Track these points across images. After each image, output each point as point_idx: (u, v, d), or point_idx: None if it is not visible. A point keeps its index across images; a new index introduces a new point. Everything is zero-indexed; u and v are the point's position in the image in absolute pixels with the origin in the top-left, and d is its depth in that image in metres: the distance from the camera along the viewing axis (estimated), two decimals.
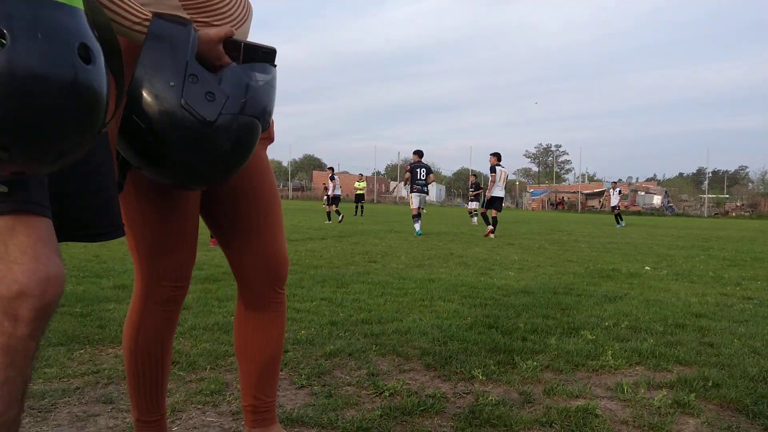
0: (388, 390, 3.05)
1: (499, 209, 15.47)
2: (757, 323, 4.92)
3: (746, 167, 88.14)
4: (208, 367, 3.34)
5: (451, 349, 3.84)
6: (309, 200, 61.50)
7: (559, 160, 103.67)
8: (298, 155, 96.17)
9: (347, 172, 78.83)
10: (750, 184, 70.97)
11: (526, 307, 5.27)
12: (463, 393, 3.09)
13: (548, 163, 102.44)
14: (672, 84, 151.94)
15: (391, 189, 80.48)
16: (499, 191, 15.45)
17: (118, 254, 8.13)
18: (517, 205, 75.98)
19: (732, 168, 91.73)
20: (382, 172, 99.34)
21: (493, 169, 15.67)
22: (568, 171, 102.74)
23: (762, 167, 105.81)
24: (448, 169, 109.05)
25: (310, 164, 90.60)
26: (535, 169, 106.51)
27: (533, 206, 69.07)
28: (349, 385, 3.14)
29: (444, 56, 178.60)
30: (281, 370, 3.30)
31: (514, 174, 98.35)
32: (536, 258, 9.83)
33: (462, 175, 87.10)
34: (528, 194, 75.87)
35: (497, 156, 15.80)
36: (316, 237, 12.57)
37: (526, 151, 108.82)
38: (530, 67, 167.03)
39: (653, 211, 60.58)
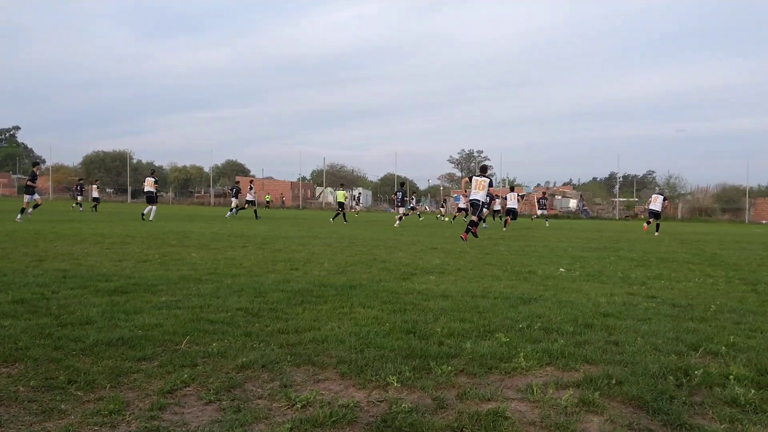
0: (300, 401, 2.99)
1: (475, 213, 16.55)
2: (660, 321, 5.16)
3: (654, 172, 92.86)
4: (108, 385, 3.17)
5: (367, 356, 3.81)
6: None
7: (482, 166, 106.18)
8: (220, 160, 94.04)
9: (272, 178, 77.88)
10: (657, 187, 74.93)
11: (444, 311, 5.32)
12: (378, 401, 3.07)
13: (471, 169, 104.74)
14: (586, 93, 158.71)
15: (317, 194, 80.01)
16: (475, 196, 16.30)
17: (20, 265, 7.66)
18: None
19: (641, 172, 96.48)
20: (308, 178, 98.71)
21: (470, 178, 16.90)
22: (490, 176, 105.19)
23: (667, 172, 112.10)
24: (374, 175, 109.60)
25: (234, 170, 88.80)
26: (458, 174, 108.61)
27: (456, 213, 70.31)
28: (260, 398, 3.06)
29: (372, 63, 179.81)
30: (187, 386, 3.18)
31: (438, 179, 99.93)
32: (458, 262, 9.97)
33: (388, 180, 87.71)
34: (452, 199, 77.25)
35: (482, 168, 16.80)
36: (237, 245, 12.28)
37: (450, 156, 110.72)
38: (456, 74, 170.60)
39: (569, 214, 62.95)
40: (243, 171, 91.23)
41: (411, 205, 32.90)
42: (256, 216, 29.17)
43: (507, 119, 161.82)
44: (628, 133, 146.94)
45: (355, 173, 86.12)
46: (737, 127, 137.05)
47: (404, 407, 2.93)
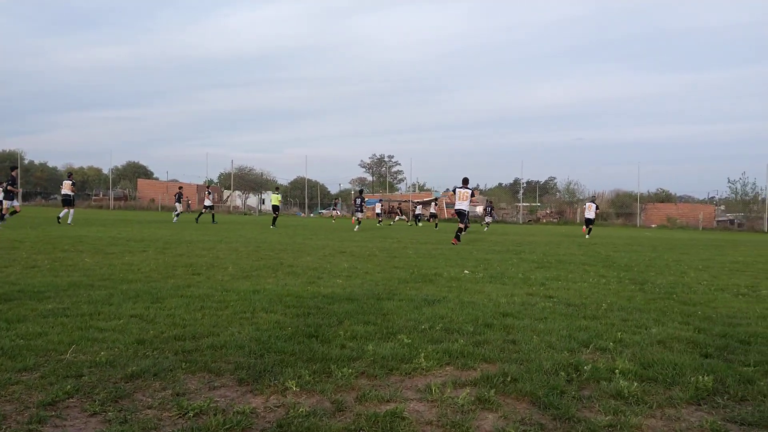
0: (193, 410, 2.87)
1: (461, 221, 18.68)
2: (555, 320, 5.37)
3: (555, 178, 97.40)
4: None
5: (267, 361, 3.73)
6: (133, 210, 57.77)
7: (392, 170, 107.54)
8: (120, 162, 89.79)
9: (176, 180, 75.24)
10: (557, 193, 78.67)
11: (348, 315, 5.30)
12: (275, 406, 3.00)
13: (382, 173, 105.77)
14: (492, 101, 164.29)
15: (224, 198, 78.10)
16: (460, 206, 18.39)
17: None
18: (352, 213, 77.39)
19: (543, 179, 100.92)
20: (216, 181, 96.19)
21: (454, 190, 18.95)
22: (400, 180, 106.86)
23: (567, 178, 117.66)
24: (284, 178, 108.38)
25: (135, 172, 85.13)
26: (370, 178, 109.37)
27: (369, 215, 70.79)
28: (149, 408, 2.91)
29: (284, 65, 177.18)
30: (70, 397, 2.99)
31: (349, 183, 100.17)
32: (365, 265, 10.00)
33: (298, 183, 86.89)
34: (364, 202, 77.51)
35: (464, 180, 18.68)
36: (136, 250, 11.75)
37: (361, 160, 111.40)
38: (366, 79, 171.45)
39: (477, 219, 64.73)
40: (145, 173, 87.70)
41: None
42: (213, 220, 31.34)
43: (417, 125, 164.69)
44: (531, 141, 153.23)
45: (264, 176, 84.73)
46: (630, 137, 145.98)
47: (302, 411, 2.88)
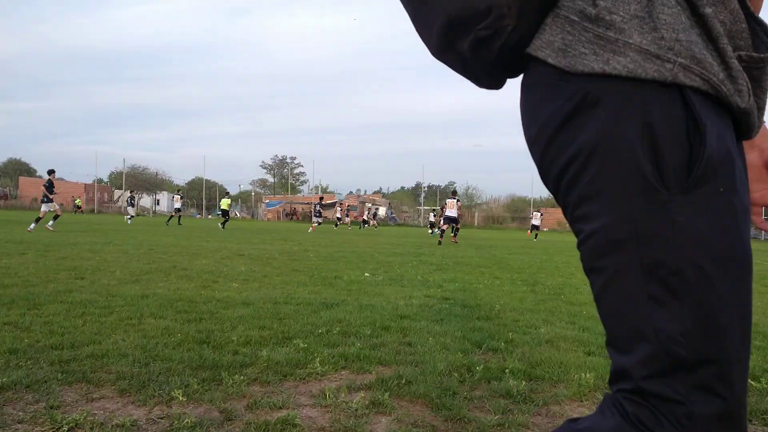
0: (67, 423, 2.66)
1: (453, 223, 23.14)
2: (451, 321, 5.47)
3: (454, 182, 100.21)
4: None
5: (152, 370, 3.53)
6: (15, 210, 53.78)
7: (294, 172, 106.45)
8: (0, 159, 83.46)
9: (63, 179, 70.76)
10: (457, 197, 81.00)
11: (243, 319, 5.15)
12: (158, 418, 2.84)
13: (284, 175, 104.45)
14: (395, 105, 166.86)
15: (115, 198, 74.33)
16: (450, 213, 22.64)
17: None
18: (252, 215, 75.95)
19: (443, 183, 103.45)
20: (105, 180, 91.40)
21: (445, 201, 23.71)
22: (302, 182, 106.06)
23: (466, 182, 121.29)
24: (180, 178, 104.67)
25: (17, 169, 79.31)
26: (271, 180, 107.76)
27: (269, 216, 69.75)
28: (20, 423, 2.68)
29: (179, 61, 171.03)
30: None
31: (250, 184, 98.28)
32: (264, 268, 9.79)
33: (196, 184, 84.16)
34: (264, 205, 76.37)
35: (453, 192, 23.94)
36: (14, 252, 10.91)
37: (263, 162, 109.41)
38: (268, 79, 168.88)
39: (379, 222, 65.33)
40: (28, 171, 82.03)
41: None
42: (179, 222, 32.71)
43: (320, 126, 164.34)
44: (433, 146, 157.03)
45: (159, 176, 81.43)
46: (523, 143, 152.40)
47: (187, 422, 2.74)
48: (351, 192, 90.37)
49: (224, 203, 31.74)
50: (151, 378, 3.38)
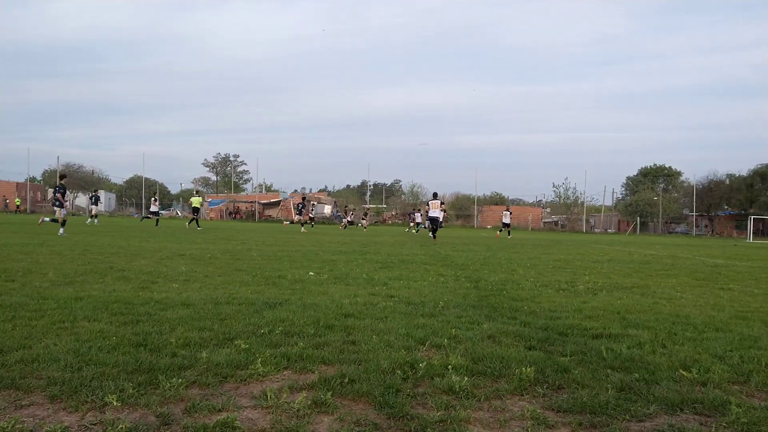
0: None
1: (436, 225, 25.60)
2: (395, 319, 5.48)
3: (400, 180, 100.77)
4: None
5: (85, 375, 3.39)
6: None
7: (238, 170, 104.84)
8: None
9: None
10: (403, 195, 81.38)
11: (182, 321, 5.01)
12: (91, 424, 2.73)
13: (227, 173, 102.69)
14: (340, 104, 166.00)
15: (48, 197, 71.43)
16: (434, 214, 25.33)
17: None
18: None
19: (389, 181, 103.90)
20: (39, 179, 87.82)
21: (428, 203, 26.89)
22: (246, 181, 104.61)
23: (411, 181, 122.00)
24: (119, 177, 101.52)
25: None
26: (214, 178, 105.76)
27: (211, 216, 68.41)
28: None
29: (116, 57, 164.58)
30: None
31: (192, 182, 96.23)
32: (206, 268, 9.58)
33: (135, 182, 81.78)
34: (206, 203, 74.87)
35: (434, 195, 26.84)
36: None
37: (205, 160, 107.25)
38: (209, 76, 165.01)
39: (325, 220, 65.10)
40: None
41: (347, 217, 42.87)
42: (157, 224, 32.28)
43: (264, 125, 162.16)
44: (378, 144, 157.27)
45: (96, 175, 78.73)
46: (468, 143, 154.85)
47: (121, 428, 2.64)
48: (296, 190, 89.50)
49: (195, 201, 31.55)
50: (84, 383, 3.25)
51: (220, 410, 2.95)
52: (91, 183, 76.89)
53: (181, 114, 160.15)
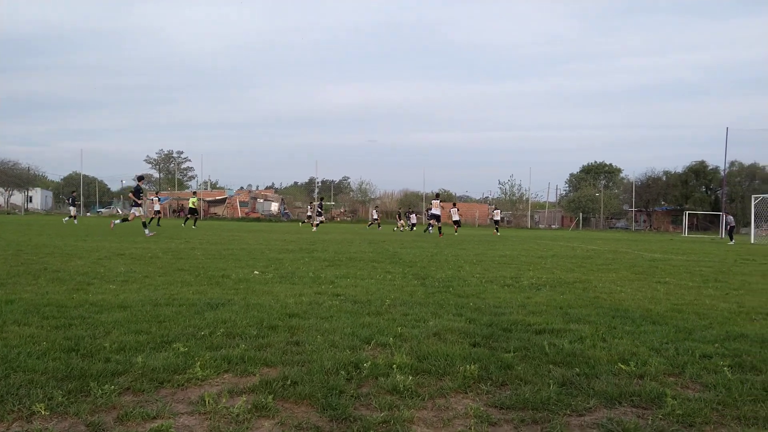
0: None
1: (438, 221, 28.46)
2: (341, 318, 5.41)
3: (349, 177, 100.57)
4: None
5: (12, 382, 3.21)
6: None
7: (182, 167, 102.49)
8: None
9: None
10: (351, 192, 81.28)
11: (118, 324, 4.83)
12: None
13: (170, 170, 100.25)
14: (287, 100, 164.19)
15: None
16: (435, 211, 28.40)
17: None
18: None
19: (338, 178, 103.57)
20: None
21: (431, 202, 29.53)
22: (191, 178, 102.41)
23: (360, 178, 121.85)
24: (56, 174, 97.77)
25: None
26: (156, 175, 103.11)
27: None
28: None
29: (51, 50, 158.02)
30: None
31: (133, 180, 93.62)
32: (146, 268, 9.29)
33: (73, 180, 78.94)
34: (149, 201, 72.83)
35: (437, 195, 30.52)
36: None
37: (147, 156, 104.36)
38: (150, 71, 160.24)
39: (272, 218, 64.40)
40: None
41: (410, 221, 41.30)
42: (144, 226, 33.23)
43: (209, 121, 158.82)
44: (326, 141, 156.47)
45: (32, 171, 75.63)
46: (417, 140, 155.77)
47: None
48: (242, 187, 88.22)
49: (192, 202, 32.99)
50: (11, 391, 3.07)
51: (154, 417, 2.84)
52: (26, 180, 73.90)
53: (123, 109, 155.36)
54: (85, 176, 72.74)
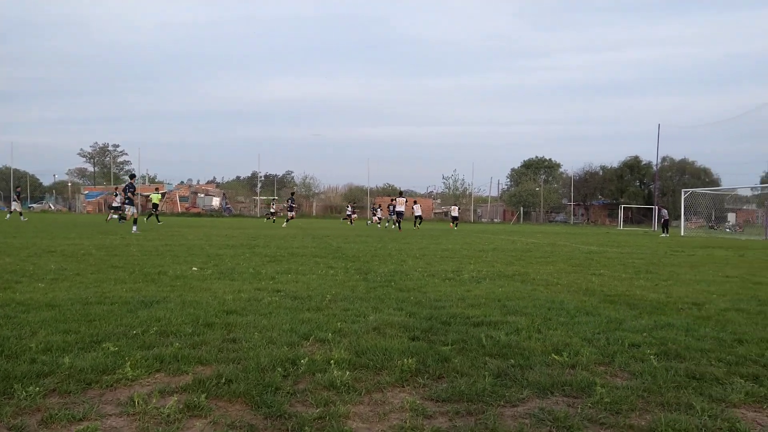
0: None
1: (401, 217, 31.26)
2: (280, 314, 5.35)
3: (292, 172, 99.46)
4: None
5: None
6: None
7: (118, 161, 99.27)
8: None
9: None
10: (295, 186, 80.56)
11: (46, 323, 4.63)
12: None
13: (106, 164, 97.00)
14: (230, 93, 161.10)
15: None
16: (399, 208, 30.92)
17: None
18: (70, 208, 69.87)
19: (281, 172, 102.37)
20: None
21: (395, 198, 32.46)
22: (127, 172, 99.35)
23: (303, 172, 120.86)
24: None
25: None
26: (91, 168, 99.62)
27: (89, 209, 64.55)
28: None
29: None
30: None
31: (66, 174, 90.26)
32: (78, 266, 8.96)
33: (3, 174, 75.45)
34: (82, 196, 70.49)
35: (400, 193, 33.90)
36: None
37: (81, 149, 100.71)
38: (82, 62, 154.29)
39: (213, 213, 63.23)
40: None
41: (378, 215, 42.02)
42: (120, 220, 32.22)
43: (147, 114, 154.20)
44: (269, 135, 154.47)
45: None
46: (361, 135, 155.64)
47: None
48: (182, 182, 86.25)
49: (155, 198, 32.65)
50: None
51: (81, 419, 2.74)
52: None
53: (55, 101, 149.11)
54: (15, 170, 69.68)
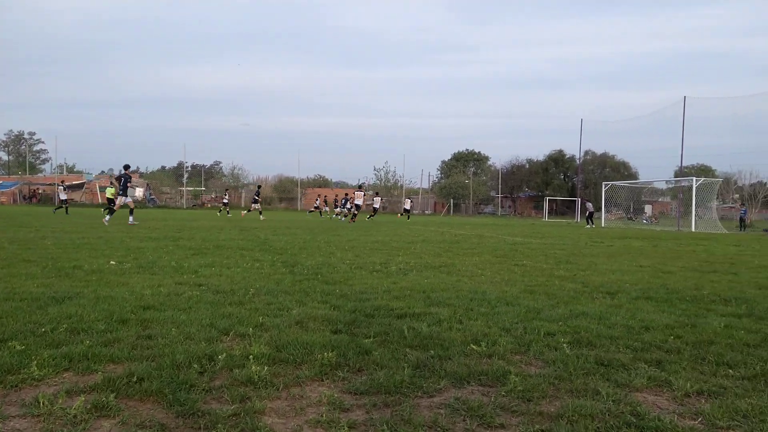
0: None
1: (358, 210, 31.85)
2: (200, 309, 5.23)
3: (220, 162, 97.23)
4: None
5: None
6: None
7: (34, 149, 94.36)
8: None
9: None
10: (223, 177, 78.82)
11: None
12: None
13: (21, 152, 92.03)
14: (154, 79, 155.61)
15: None
16: (358, 201, 31.42)
17: None
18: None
19: (208, 163, 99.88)
20: None
21: (354, 192, 33.24)
22: (44, 161, 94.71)
23: (232, 162, 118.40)
24: None
25: None
26: (5, 158, 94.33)
27: (2, 200, 61.10)
28: None
29: None
30: None
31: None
32: None
33: None
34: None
35: (360, 186, 34.93)
36: None
37: None
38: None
39: (136, 203, 60.99)
40: None
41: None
42: (64, 212, 32.64)
43: (65, 100, 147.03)
44: (196, 124, 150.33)
45: None
46: (291, 125, 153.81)
47: None
48: (103, 172, 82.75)
49: (110, 192, 32.46)
50: None
51: None
52: None
53: None
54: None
